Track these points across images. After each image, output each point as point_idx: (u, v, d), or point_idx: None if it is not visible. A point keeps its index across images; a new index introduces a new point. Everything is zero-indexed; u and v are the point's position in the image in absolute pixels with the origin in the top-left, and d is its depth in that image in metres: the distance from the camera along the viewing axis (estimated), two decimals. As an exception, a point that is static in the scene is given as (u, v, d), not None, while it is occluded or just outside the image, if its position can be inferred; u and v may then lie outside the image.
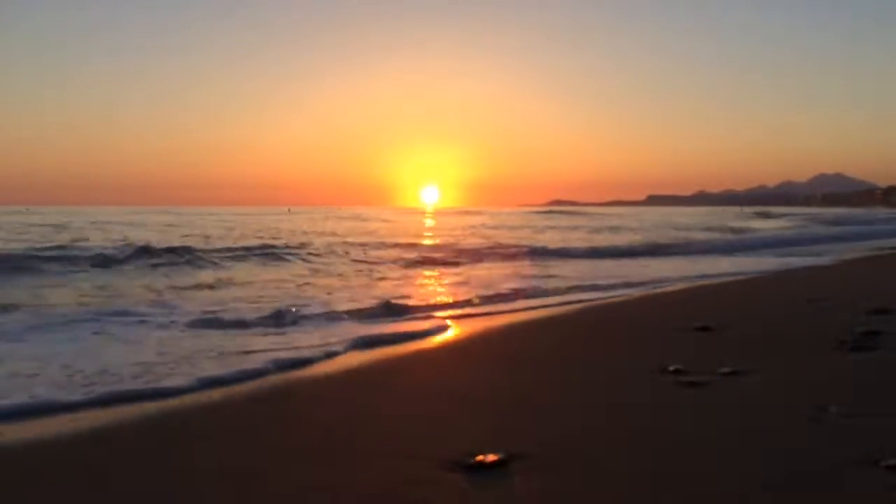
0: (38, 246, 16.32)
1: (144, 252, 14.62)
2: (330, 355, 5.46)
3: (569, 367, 4.90)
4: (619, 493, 2.65)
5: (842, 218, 45.37)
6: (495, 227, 32.26)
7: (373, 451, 3.17)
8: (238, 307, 8.02)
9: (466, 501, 2.62)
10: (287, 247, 17.91)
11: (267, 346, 5.72)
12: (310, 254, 16.54)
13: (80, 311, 7.68)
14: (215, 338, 6.12)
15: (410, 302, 8.58)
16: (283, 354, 5.37)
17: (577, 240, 23.72)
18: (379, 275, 12.64)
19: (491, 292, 9.45)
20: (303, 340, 6.02)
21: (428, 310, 8.06)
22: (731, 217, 50.25)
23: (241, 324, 6.85)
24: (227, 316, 7.25)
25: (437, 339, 6.39)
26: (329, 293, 9.59)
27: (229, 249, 16.69)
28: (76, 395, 4.21)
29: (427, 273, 13.48)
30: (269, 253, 16.23)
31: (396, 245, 19.73)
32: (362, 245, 19.30)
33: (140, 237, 20.95)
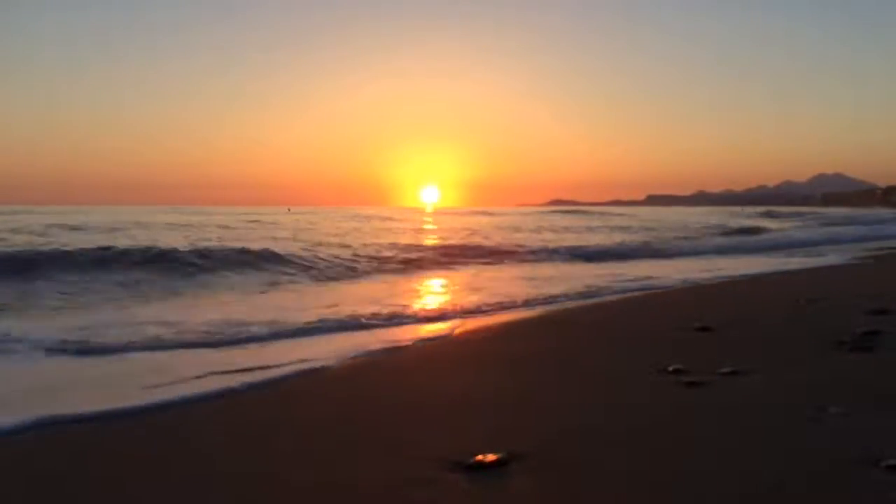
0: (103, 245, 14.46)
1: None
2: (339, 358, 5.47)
3: (569, 367, 4.90)
4: (619, 492, 2.65)
5: (851, 218, 45.39)
6: (519, 228, 31.82)
7: (373, 452, 3.17)
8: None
9: (466, 501, 2.62)
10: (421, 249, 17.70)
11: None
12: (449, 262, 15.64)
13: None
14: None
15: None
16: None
17: (614, 240, 23.97)
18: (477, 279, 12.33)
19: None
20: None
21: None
22: (744, 217, 49.99)
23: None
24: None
25: (437, 340, 6.39)
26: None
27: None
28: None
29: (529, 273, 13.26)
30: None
31: (456, 247, 18.93)
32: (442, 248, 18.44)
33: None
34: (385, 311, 7.82)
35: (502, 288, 10.13)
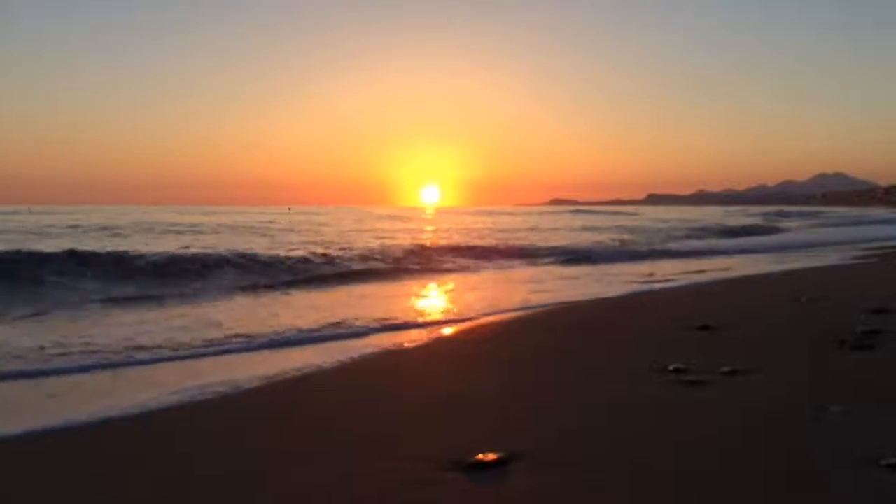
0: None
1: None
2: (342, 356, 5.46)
3: (569, 367, 4.90)
4: (620, 492, 2.65)
5: (860, 217, 45.31)
6: (543, 228, 31.73)
7: (374, 452, 3.17)
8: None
9: (467, 500, 2.62)
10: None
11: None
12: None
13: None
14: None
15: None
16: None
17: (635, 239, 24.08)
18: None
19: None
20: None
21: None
22: (759, 217, 49.76)
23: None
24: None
25: (437, 340, 6.39)
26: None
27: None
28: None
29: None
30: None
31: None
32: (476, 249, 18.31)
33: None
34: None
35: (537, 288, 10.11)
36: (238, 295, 10.02)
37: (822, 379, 4.23)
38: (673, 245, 21.95)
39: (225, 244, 17.47)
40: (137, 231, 24.35)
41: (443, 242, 20.29)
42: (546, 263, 15.76)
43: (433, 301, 9.52)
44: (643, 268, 13.99)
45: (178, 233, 24.30)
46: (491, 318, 7.48)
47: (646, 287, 10.28)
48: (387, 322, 7.16)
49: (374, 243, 19.34)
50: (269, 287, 10.85)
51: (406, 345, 6.04)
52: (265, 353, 5.78)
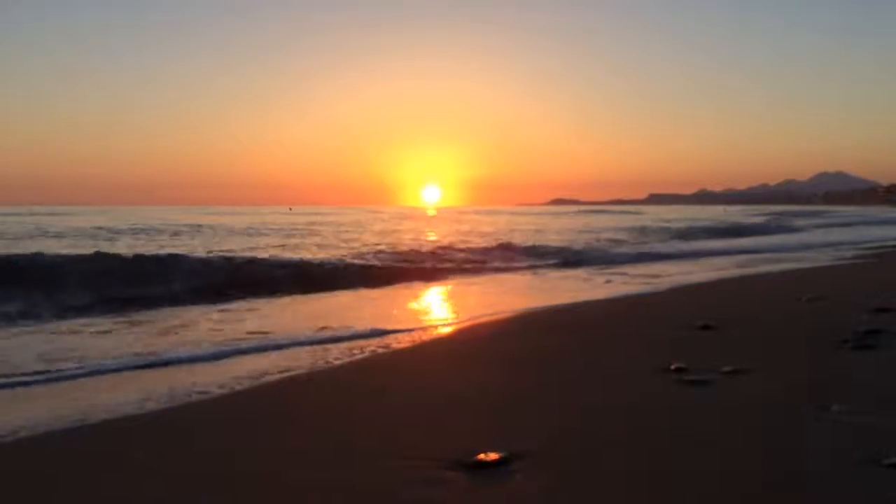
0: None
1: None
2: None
3: (570, 367, 4.90)
4: (621, 491, 2.65)
5: (869, 217, 45.27)
6: (543, 229, 31.75)
7: (374, 451, 3.17)
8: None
9: (468, 500, 2.62)
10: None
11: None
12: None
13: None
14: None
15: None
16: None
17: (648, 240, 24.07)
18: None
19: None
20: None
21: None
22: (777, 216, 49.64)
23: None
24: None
25: (437, 340, 6.40)
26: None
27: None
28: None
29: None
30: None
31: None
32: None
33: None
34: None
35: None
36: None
37: (823, 378, 4.23)
38: (687, 245, 21.83)
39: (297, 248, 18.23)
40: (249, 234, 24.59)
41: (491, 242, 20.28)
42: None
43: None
44: (656, 268, 13.99)
45: (260, 235, 24.73)
46: (491, 318, 7.49)
47: (646, 287, 10.28)
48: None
49: (428, 242, 20.06)
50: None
51: (406, 344, 6.04)
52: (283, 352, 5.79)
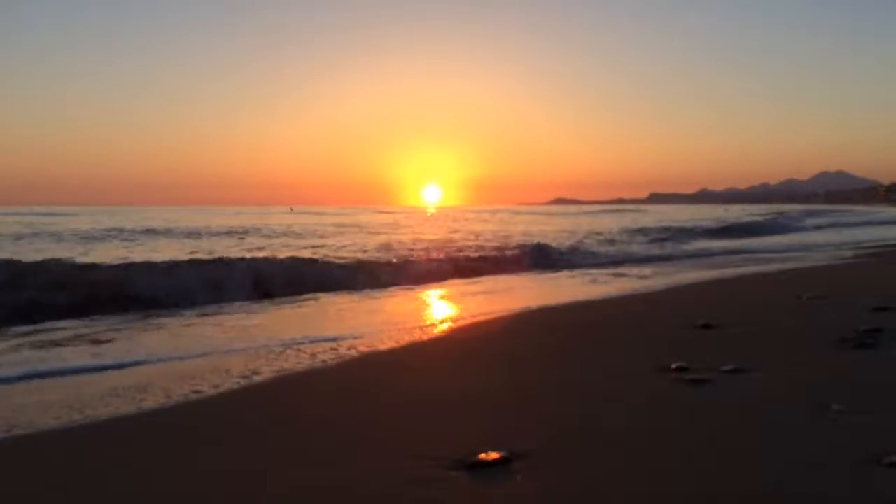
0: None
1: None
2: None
3: (570, 366, 4.90)
4: (621, 491, 2.65)
5: (875, 218, 45.18)
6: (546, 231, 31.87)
7: (374, 450, 3.18)
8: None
9: (469, 500, 2.63)
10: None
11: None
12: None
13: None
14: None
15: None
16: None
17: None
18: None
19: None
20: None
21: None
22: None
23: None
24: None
25: (438, 339, 6.40)
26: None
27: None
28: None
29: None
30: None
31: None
32: None
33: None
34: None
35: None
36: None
37: (823, 377, 4.23)
38: (687, 245, 21.77)
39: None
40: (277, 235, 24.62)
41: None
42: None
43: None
44: (656, 268, 13.99)
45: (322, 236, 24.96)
46: (491, 318, 7.49)
47: (646, 286, 10.28)
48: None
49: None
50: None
51: (407, 343, 6.05)
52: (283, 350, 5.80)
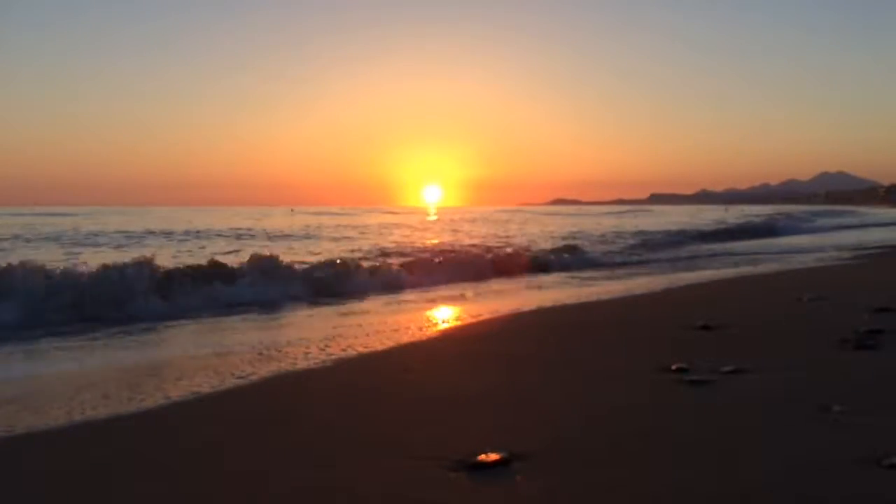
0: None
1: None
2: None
3: (570, 367, 4.90)
4: (621, 491, 2.65)
5: (880, 218, 45.17)
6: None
7: (375, 451, 3.18)
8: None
9: (469, 501, 2.63)
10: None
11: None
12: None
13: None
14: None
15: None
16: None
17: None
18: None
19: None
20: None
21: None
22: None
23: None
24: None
25: (437, 340, 6.40)
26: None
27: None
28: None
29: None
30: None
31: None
32: None
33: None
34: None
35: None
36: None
37: (823, 378, 4.23)
38: (687, 245, 21.74)
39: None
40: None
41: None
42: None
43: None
44: (656, 268, 13.99)
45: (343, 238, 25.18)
46: (491, 318, 7.49)
47: (646, 287, 10.28)
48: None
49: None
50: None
51: (407, 343, 6.05)
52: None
